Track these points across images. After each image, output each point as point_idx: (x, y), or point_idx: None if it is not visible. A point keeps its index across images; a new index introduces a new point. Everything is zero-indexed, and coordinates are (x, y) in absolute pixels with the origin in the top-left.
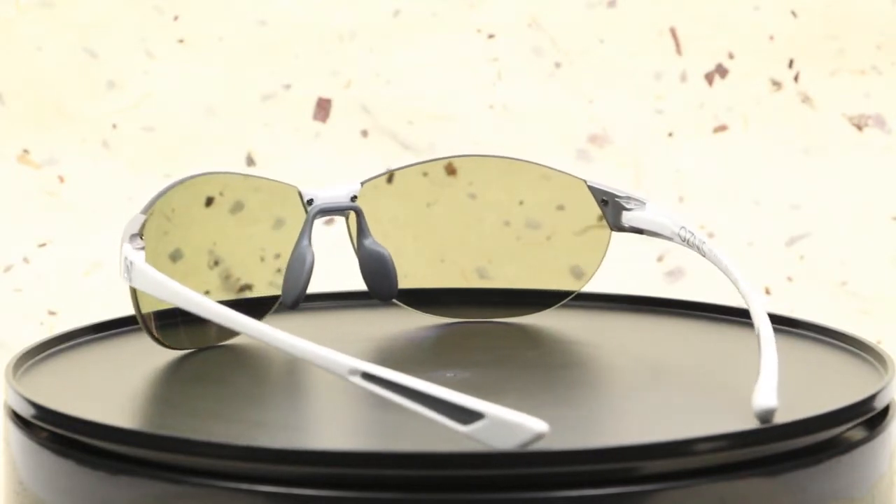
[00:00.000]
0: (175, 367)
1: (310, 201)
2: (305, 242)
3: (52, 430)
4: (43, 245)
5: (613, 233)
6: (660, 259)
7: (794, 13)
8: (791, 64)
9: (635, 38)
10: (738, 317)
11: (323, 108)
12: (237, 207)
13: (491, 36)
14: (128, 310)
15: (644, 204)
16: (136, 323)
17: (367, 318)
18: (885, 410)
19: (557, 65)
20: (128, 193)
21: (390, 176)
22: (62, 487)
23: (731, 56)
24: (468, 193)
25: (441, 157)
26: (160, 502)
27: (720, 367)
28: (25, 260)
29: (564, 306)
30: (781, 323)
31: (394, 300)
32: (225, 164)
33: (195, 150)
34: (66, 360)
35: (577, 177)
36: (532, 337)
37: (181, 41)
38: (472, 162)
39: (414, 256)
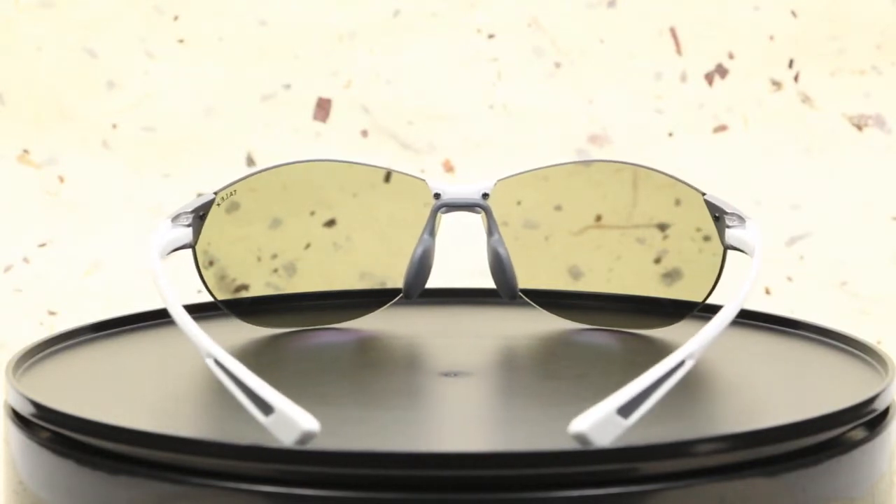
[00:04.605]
0: (175, 367)
1: (437, 195)
2: (426, 235)
3: (52, 430)
4: (43, 245)
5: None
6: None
7: (794, 13)
8: (791, 64)
9: (635, 38)
10: (737, 317)
11: (323, 108)
12: (355, 196)
13: (491, 36)
14: (128, 309)
15: (745, 221)
16: (136, 322)
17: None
18: (886, 411)
19: (557, 65)
20: (128, 193)
21: (523, 175)
22: (62, 487)
23: (731, 56)
24: (592, 198)
25: (570, 160)
26: (160, 502)
27: (719, 368)
28: (25, 260)
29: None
30: (781, 323)
31: (520, 297)
32: (225, 164)
33: (195, 150)
34: (67, 359)
35: (696, 189)
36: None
37: (181, 41)
38: (601, 167)
39: (542, 257)
